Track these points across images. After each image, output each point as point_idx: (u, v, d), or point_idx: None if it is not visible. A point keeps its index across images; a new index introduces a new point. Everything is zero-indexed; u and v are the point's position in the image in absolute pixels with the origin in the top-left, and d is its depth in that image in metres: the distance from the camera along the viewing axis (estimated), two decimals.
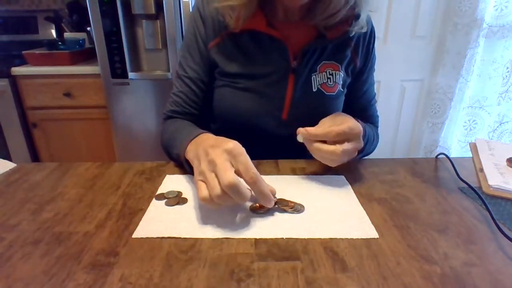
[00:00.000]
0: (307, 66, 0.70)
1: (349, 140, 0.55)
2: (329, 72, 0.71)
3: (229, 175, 0.42)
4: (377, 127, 0.85)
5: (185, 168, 0.58)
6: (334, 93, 0.72)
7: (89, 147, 1.84)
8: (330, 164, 0.57)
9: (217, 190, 0.42)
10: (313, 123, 0.63)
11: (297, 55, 0.69)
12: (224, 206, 0.45)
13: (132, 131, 1.70)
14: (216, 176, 0.44)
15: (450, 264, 0.40)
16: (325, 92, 0.71)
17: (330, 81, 0.71)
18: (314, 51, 0.70)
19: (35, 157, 1.87)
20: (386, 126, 1.99)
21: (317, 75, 0.71)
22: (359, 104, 0.81)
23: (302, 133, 0.56)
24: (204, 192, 0.44)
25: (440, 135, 1.89)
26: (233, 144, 0.46)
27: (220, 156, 0.45)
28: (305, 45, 0.68)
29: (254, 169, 0.44)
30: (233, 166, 0.44)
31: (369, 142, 0.75)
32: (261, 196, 0.45)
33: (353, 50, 0.73)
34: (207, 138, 0.53)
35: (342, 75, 0.73)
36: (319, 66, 0.70)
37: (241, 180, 0.43)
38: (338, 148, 0.54)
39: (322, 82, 0.71)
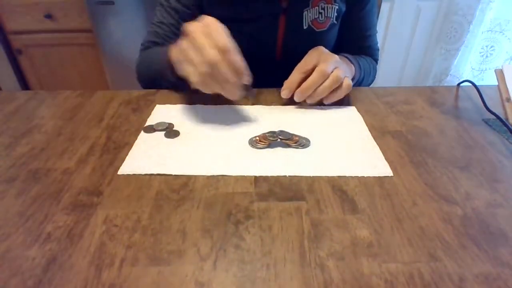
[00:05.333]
0: (298, 3, 0.64)
1: (321, 60, 0.52)
2: (321, 6, 0.65)
3: (209, 53, 0.41)
4: (376, 59, 0.78)
5: (168, 77, 0.54)
6: (325, 28, 0.67)
7: (80, 75, 1.75)
8: (342, 93, 0.53)
9: (203, 67, 0.41)
10: None
11: None
12: (216, 88, 0.44)
13: (123, 57, 1.58)
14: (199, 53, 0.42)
15: (472, 204, 0.36)
16: (316, 29, 0.67)
17: (322, 16, 0.66)
18: None
19: (24, 85, 1.79)
20: (395, 51, 1.86)
21: (309, 11, 0.65)
22: (354, 33, 0.73)
23: (286, 93, 0.53)
24: (195, 75, 0.43)
25: (452, 62, 1.77)
26: (211, 19, 0.44)
27: (198, 32, 0.42)
28: None
29: (228, 41, 0.42)
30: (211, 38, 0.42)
31: (366, 72, 0.70)
32: (232, 68, 0.42)
33: None
34: None
35: (337, 7, 0.66)
36: (311, 0, 0.63)
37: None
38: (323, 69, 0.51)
39: (313, 18, 0.66)
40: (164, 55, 0.54)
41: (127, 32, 1.50)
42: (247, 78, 0.45)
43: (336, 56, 0.54)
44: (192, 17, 0.66)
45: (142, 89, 0.59)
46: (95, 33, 1.52)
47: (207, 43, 0.42)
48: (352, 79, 0.60)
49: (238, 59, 0.43)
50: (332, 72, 0.51)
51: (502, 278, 0.28)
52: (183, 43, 0.44)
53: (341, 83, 0.52)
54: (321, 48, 0.55)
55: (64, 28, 1.59)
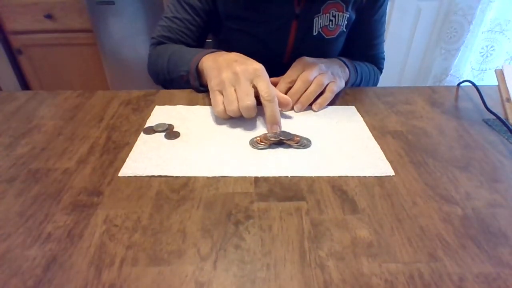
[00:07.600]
0: (310, 10, 0.63)
1: (305, 69, 0.54)
2: (332, 13, 0.65)
3: (249, 99, 0.45)
4: (380, 68, 0.78)
5: (192, 83, 0.57)
6: (335, 36, 0.68)
7: (80, 75, 1.75)
8: (331, 93, 0.55)
9: (234, 106, 0.45)
10: None
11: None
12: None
13: (123, 57, 1.58)
14: (236, 92, 0.46)
15: (472, 204, 0.36)
16: (325, 36, 0.67)
17: (332, 24, 0.66)
18: None
19: (24, 85, 1.79)
20: (395, 51, 1.86)
21: (319, 17, 0.65)
22: (361, 41, 0.73)
23: (284, 106, 0.52)
24: (221, 106, 0.47)
25: (453, 62, 1.77)
26: (260, 66, 0.47)
27: (245, 73, 0.46)
28: None
29: (273, 91, 0.46)
30: (253, 84, 0.46)
31: (364, 77, 0.70)
32: (271, 117, 0.46)
33: None
34: (229, 53, 0.51)
35: (347, 16, 0.65)
36: (323, 7, 0.63)
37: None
38: (306, 76, 0.53)
39: (323, 25, 0.66)
40: (191, 55, 0.56)
41: (127, 32, 1.50)
42: (278, 130, 0.47)
43: (321, 64, 0.55)
44: (208, 13, 0.66)
45: (142, 89, 0.59)
46: (95, 33, 1.52)
47: (247, 90, 0.45)
48: (346, 83, 0.60)
49: (278, 111, 0.46)
50: (314, 78, 0.53)
51: (502, 278, 0.28)
52: (223, 74, 0.46)
53: (325, 88, 0.54)
54: (305, 58, 0.57)
55: (64, 28, 1.59)
